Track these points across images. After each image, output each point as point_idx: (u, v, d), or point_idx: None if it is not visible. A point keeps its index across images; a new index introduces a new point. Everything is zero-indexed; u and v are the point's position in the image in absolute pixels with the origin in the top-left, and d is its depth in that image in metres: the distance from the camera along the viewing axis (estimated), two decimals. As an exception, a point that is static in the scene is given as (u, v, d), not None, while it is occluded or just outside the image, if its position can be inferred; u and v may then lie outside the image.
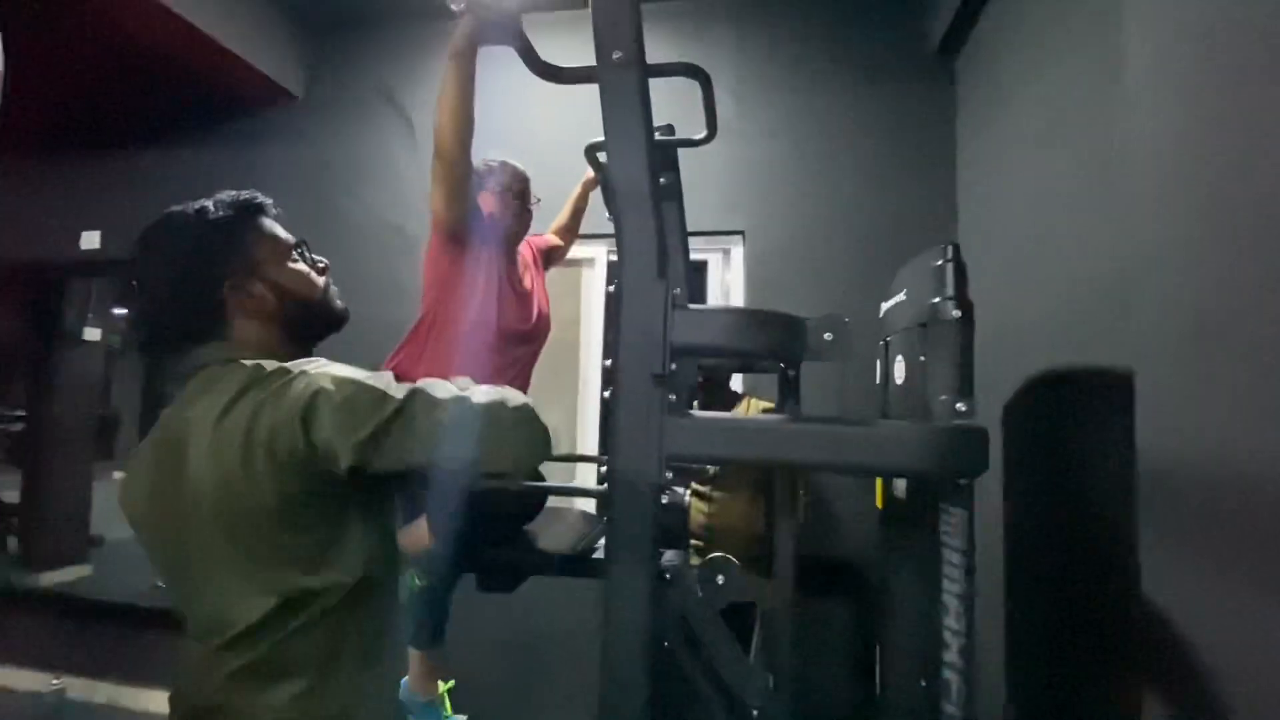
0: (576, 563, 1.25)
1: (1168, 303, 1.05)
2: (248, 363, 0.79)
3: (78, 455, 3.66)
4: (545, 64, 1.30)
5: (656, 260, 1.06)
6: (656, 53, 2.38)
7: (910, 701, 1.24)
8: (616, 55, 1.08)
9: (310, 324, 0.90)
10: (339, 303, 0.93)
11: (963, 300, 1.18)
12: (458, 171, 1.29)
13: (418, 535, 1.45)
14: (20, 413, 4.23)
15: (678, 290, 1.08)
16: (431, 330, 1.42)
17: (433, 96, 2.53)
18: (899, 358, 1.40)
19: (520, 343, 1.53)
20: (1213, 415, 0.89)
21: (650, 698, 1.04)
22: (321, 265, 0.92)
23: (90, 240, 2.87)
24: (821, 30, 2.33)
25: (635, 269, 1.06)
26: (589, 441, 2.31)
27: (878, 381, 1.52)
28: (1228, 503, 0.86)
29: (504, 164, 1.60)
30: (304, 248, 0.90)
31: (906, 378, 1.36)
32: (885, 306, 1.51)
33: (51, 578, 3.39)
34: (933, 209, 2.21)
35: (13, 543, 3.69)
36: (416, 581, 1.57)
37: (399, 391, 0.77)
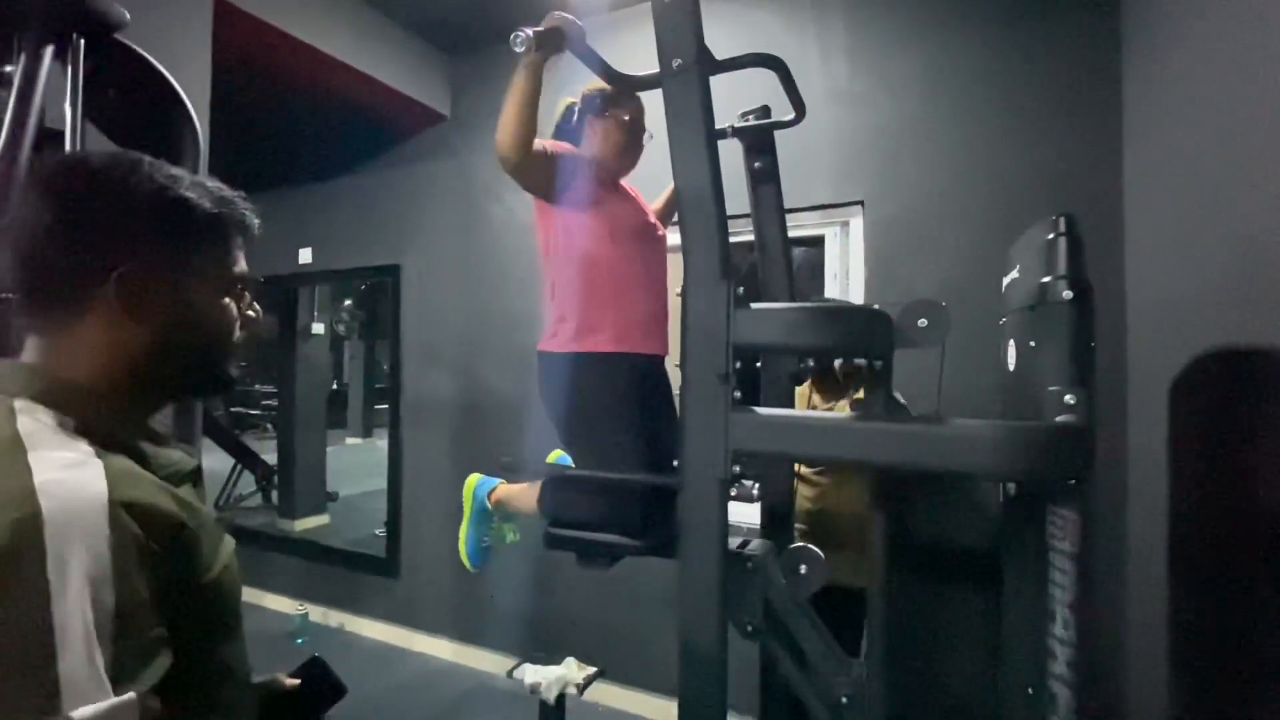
0: (668, 546, 1.33)
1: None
2: (20, 409, 0.52)
3: (315, 424, 4.56)
4: (611, 70, 1.36)
5: (719, 262, 1.09)
6: (763, 17, 2.32)
7: (1018, 711, 1.16)
8: (677, 63, 1.11)
9: (180, 379, 0.63)
10: (234, 369, 0.67)
11: (1077, 280, 1.05)
12: (520, 173, 1.38)
13: (527, 498, 1.61)
14: (273, 390, 5.39)
15: (741, 289, 1.09)
16: (575, 272, 1.45)
17: (554, 98, 2.71)
18: (1011, 342, 1.27)
19: (640, 240, 1.53)
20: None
21: (723, 676, 1.11)
22: (251, 316, 0.67)
23: (305, 256, 3.53)
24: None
25: (698, 270, 1.10)
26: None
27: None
28: None
29: (617, 92, 1.54)
30: (248, 289, 0.67)
31: (1018, 364, 1.23)
32: (1005, 282, 1.37)
33: (300, 525, 4.29)
34: (1090, 164, 1.87)
35: (274, 496, 4.73)
36: (513, 538, 1.73)
37: None
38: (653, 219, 1.62)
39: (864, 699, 1.25)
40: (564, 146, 1.51)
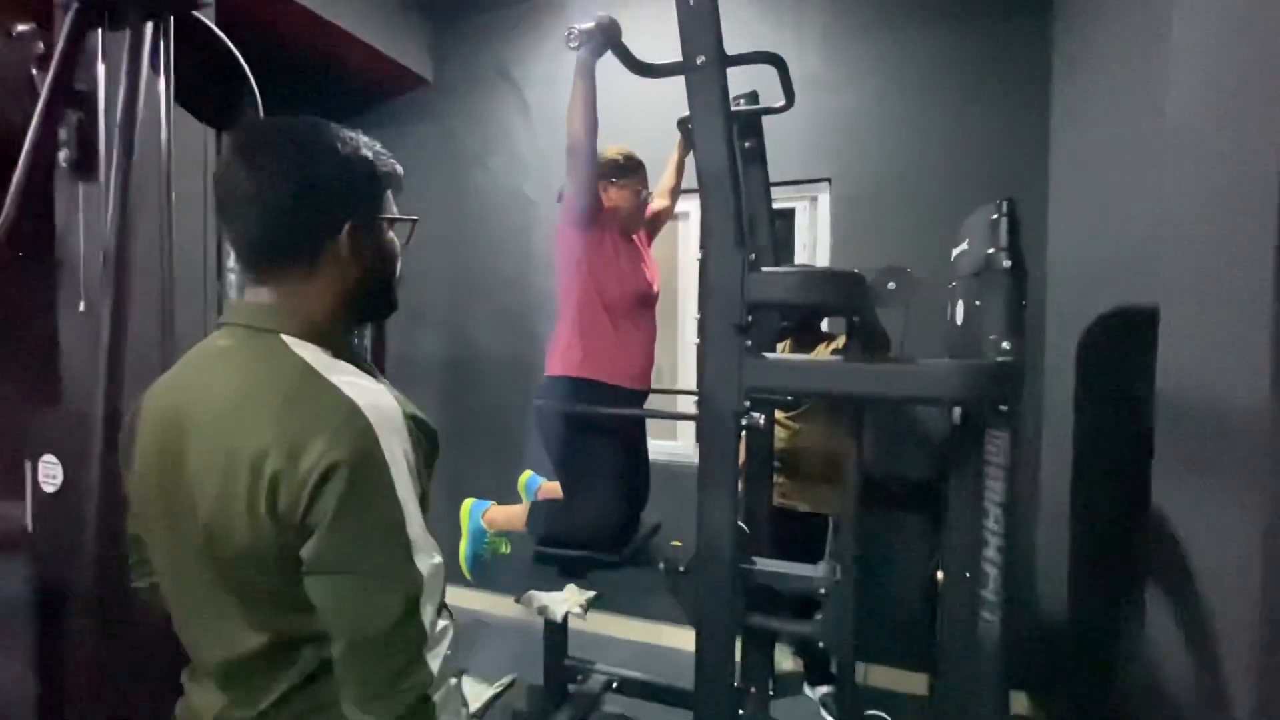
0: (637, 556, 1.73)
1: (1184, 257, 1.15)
2: (293, 346, 0.65)
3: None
4: (640, 63, 1.53)
5: (735, 232, 1.30)
6: (751, 11, 2.50)
7: (958, 587, 1.48)
8: (700, 59, 1.30)
9: (371, 306, 0.74)
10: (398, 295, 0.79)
11: (1014, 252, 1.32)
12: (589, 166, 1.59)
13: (516, 519, 1.88)
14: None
15: (753, 256, 1.32)
16: (581, 309, 1.72)
17: (543, 71, 2.84)
18: (960, 302, 1.56)
19: (645, 306, 1.83)
20: (1209, 351, 1.02)
21: (736, 580, 1.35)
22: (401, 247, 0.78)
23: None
24: (913, -35, 2.31)
25: (718, 238, 1.31)
26: (688, 375, 2.62)
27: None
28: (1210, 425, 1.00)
29: (627, 159, 1.81)
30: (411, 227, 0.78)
31: (965, 319, 1.52)
32: (954, 253, 1.65)
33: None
34: (1024, 150, 2.20)
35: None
36: (505, 549, 1.98)
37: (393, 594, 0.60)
38: (655, 286, 1.88)
39: (838, 593, 1.54)
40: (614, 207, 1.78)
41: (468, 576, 1.96)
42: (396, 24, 2.87)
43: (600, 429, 1.72)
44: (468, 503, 1.99)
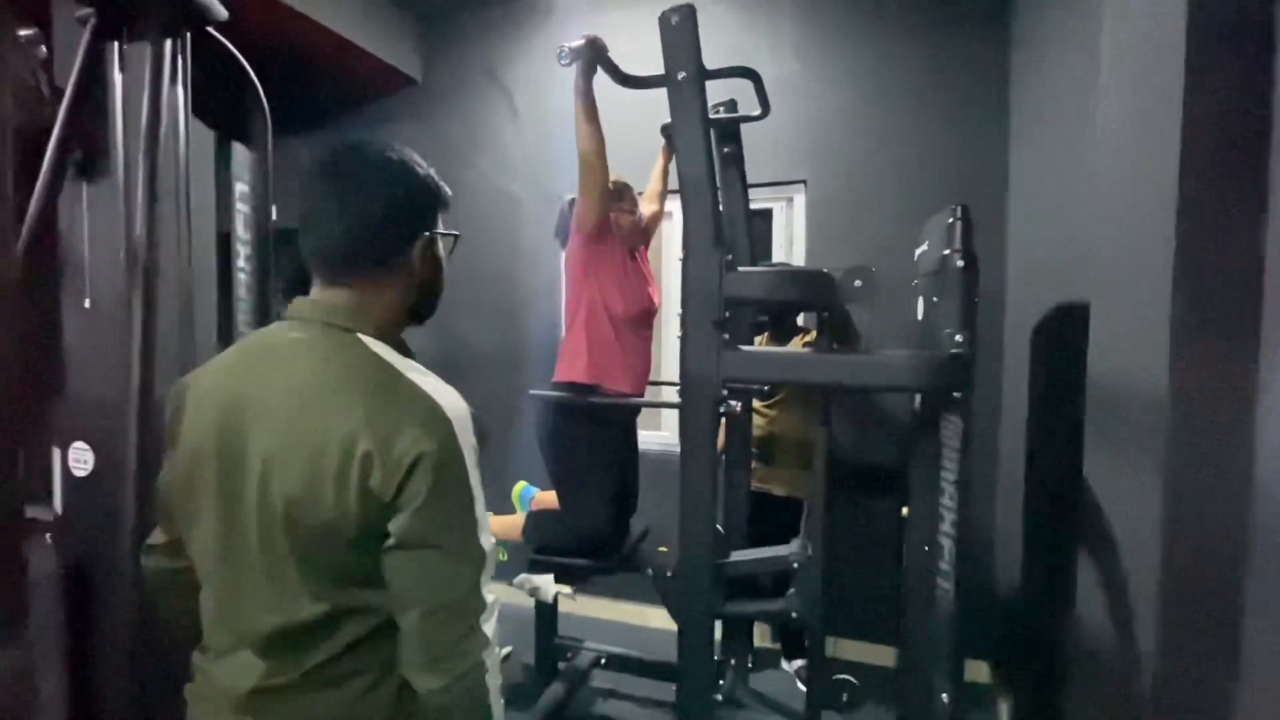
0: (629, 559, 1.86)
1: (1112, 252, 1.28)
2: (368, 343, 0.72)
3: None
4: (626, 76, 1.64)
5: (713, 234, 1.42)
6: (731, 21, 2.61)
7: (917, 558, 1.62)
8: (681, 75, 1.41)
9: (423, 310, 0.83)
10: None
11: (967, 253, 1.45)
12: (602, 180, 1.69)
13: (513, 528, 1.98)
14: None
15: (730, 256, 1.43)
16: (590, 320, 1.82)
17: (531, 73, 2.92)
18: (920, 298, 1.69)
19: (647, 318, 1.95)
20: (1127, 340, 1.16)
21: (716, 562, 1.47)
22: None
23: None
24: (883, -20, 2.45)
25: (697, 240, 1.43)
26: (670, 367, 2.74)
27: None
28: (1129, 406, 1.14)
29: (614, 184, 1.88)
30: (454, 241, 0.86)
31: (925, 314, 1.65)
32: (917, 253, 1.78)
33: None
34: (986, 157, 2.35)
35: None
36: (503, 557, 2.09)
37: (470, 576, 0.69)
38: (656, 300, 1.99)
39: (809, 566, 1.67)
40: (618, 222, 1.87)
41: None
42: (385, 25, 2.93)
43: (598, 439, 1.83)
44: None
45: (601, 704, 2.24)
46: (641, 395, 1.97)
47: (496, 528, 2.04)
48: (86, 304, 1.20)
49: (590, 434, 1.84)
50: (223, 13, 1.23)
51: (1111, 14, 1.32)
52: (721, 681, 2.11)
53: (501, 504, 2.20)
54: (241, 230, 1.45)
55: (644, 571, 1.73)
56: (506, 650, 2.02)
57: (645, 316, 1.93)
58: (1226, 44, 0.95)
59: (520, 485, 2.25)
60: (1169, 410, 0.95)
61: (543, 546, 1.91)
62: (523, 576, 2.25)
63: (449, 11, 3.03)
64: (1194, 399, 0.95)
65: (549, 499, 2.06)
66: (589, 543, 1.84)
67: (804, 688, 2.33)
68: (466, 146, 3.04)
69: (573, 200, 1.90)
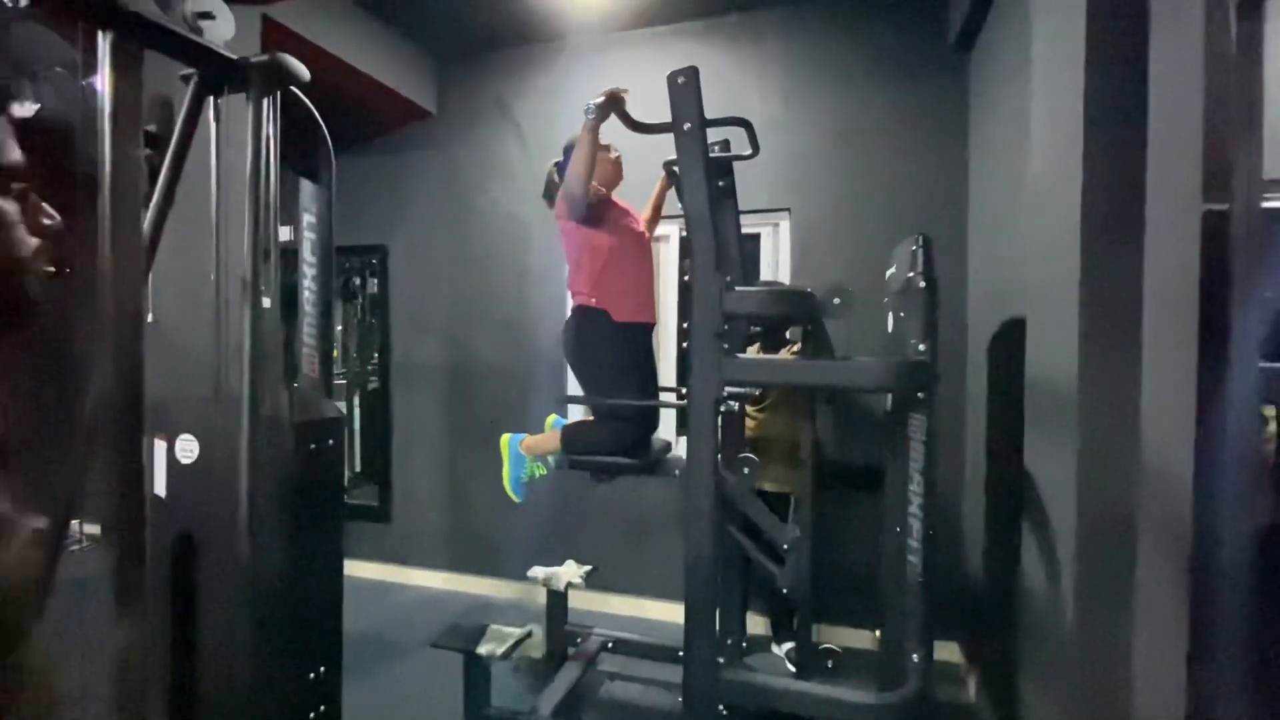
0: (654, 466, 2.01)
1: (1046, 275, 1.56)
2: None
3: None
4: (637, 123, 1.90)
5: (715, 260, 1.67)
6: (719, 62, 2.92)
7: (890, 539, 1.86)
8: (686, 126, 1.66)
9: None
10: None
11: (928, 275, 1.71)
12: (580, 200, 1.94)
13: (550, 442, 2.19)
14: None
15: (729, 277, 1.68)
16: (591, 258, 2.04)
17: (539, 107, 3.18)
18: (890, 313, 1.95)
19: (639, 247, 2.15)
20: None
21: (719, 545, 1.70)
22: None
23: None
24: (856, 34, 2.76)
25: (701, 264, 1.67)
26: (668, 375, 2.98)
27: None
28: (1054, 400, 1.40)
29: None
30: None
31: (894, 326, 1.92)
32: (887, 274, 2.05)
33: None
34: (949, 187, 2.66)
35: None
36: (542, 471, 2.31)
37: None
38: (641, 228, 2.22)
39: (798, 549, 1.91)
40: (599, 189, 2.08)
41: (515, 499, 2.26)
42: (405, 63, 3.18)
43: (617, 349, 2.06)
44: (505, 437, 2.30)
45: (609, 684, 2.44)
46: (648, 315, 2.17)
47: (534, 443, 2.25)
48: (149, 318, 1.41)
49: (608, 345, 2.06)
50: (306, 74, 1.47)
51: (1036, 78, 1.62)
52: (720, 659, 2.32)
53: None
54: (308, 254, 1.67)
55: (673, 474, 1.93)
56: (528, 629, 2.22)
57: (636, 244, 2.14)
58: (1113, 111, 1.23)
59: (553, 417, 2.44)
60: (1078, 403, 1.22)
61: (578, 449, 2.11)
62: (535, 568, 2.46)
63: (463, 50, 3.29)
64: (1097, 393, 1.22)
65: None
66: (620, 441, 2.04)
67: (793, 668, 2.56)
68: (478, 174, 3.29)
69: (558, 163, 2.14)
